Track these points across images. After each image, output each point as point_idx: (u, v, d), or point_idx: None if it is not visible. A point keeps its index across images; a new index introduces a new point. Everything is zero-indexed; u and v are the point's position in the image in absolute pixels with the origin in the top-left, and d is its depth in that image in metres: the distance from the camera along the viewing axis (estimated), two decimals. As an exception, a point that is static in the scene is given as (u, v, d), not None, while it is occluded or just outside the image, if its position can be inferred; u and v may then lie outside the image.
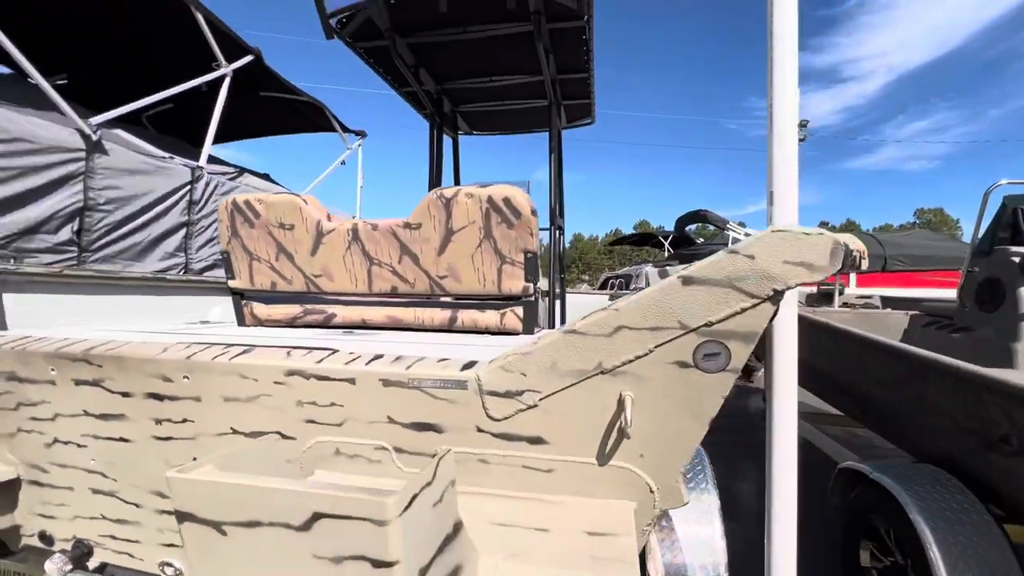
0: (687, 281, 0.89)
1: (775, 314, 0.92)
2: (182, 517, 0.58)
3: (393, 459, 1.10)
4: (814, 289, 6.70)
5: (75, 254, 3.43)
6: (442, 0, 3.11)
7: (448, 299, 2.21)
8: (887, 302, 6.14)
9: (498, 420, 1.02)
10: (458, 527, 0.70)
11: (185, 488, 0.57)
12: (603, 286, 19.95)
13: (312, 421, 1.12)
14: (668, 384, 0.94)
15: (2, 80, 3.53)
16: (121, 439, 1.26)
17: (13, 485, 1.37)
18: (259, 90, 5.64)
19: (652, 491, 0.99)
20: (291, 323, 2.36)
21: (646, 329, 0.92)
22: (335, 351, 1.56)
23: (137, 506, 1.31)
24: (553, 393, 0.98)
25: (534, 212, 2.03)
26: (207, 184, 4.38)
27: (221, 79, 4.56)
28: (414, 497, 0.56)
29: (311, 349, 1.21)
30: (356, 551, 0.53)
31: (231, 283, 2.36)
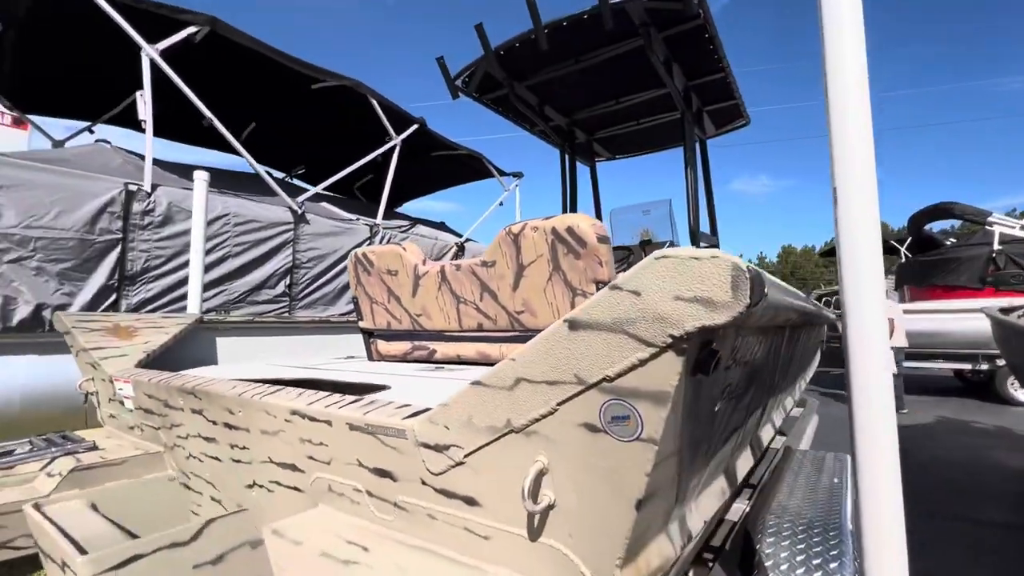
0: (573, 325, 0.71)
1: (701, 370, 0.66)
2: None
3: (367, 502, 1.13)
4: None
5: (287, 303, 4.46)
6: (542, 39, 3.18)
7: (529, 334, 2.18)
8: None
9: (436, 475, 0.96)
10: (268, 589, 0.68)
11: (28, 518, 0.72)
12: (815, 306, 16.79)
13: (312, 458, 1.23)
14: (581, 451, 0.75)
15: (246, 177, 4.84)
16: (215, 458, 1.58)
17: (175, 482, 1.84)
18: (430, 151, 6.50)
19: None
20: (404, 358, 2.62)
21: (544, 383, 0.76)
22: (384, 388, 1.69)
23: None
24: (476, 450, 0.88)
25: (601, 239, 1.89)
26: (382, 238, 5.23)
27: (393, 149, 5.45)
28: (135, 557, 0.58)
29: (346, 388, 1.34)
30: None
31: (360, 324, 2.75)
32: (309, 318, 3.22)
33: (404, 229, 5.75)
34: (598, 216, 5.12)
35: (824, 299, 16.21)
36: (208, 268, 3.86)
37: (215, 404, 1.47)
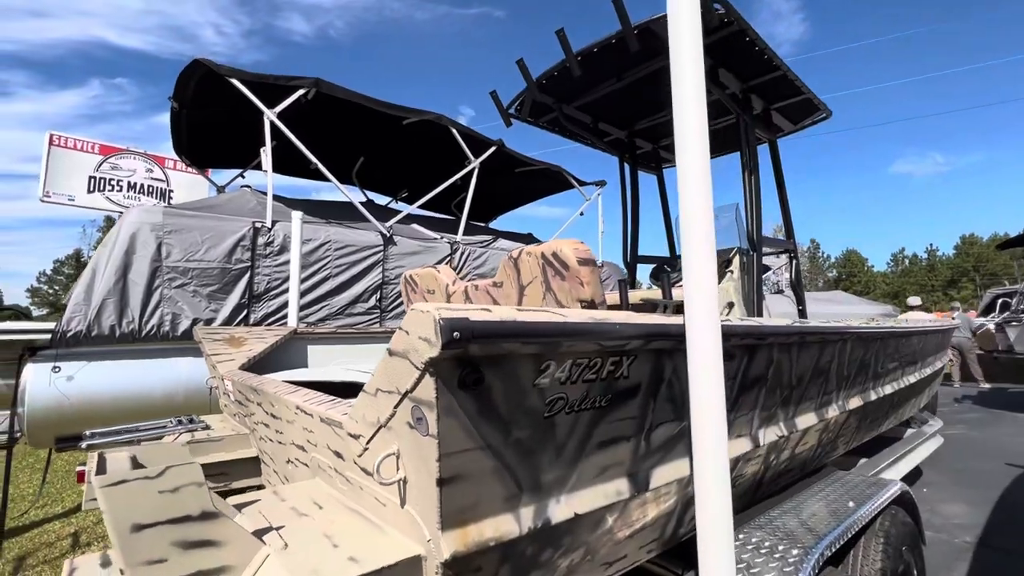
0: (389, 353, 0.98)
1: (464, 386, 0.90)
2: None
3: (335, 476, 1.48)
4: None
5: (378, 315, 5.16)
6: (574, 67, 3.36)
7: None
8: None
9: (359, 456, 1.28)
10: (208, 515, 1.03)
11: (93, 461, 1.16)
12: (988, 309, 13.92)
13: (309, 441, 1.63)
14: (409, 443, 1.01)
15: (341, 206, 5.65)
16: (269, 439, 2.09)
17: (257, 460, 2.42)
18: (512, 168, 6.91)
19: (428, 540, 1.04)
20: None
21: (387, 392, 1.03)
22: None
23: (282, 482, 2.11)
24: (371, 439, 1.18)
25: (582, 262, 2.07)
26: (462, 254, 5.75)
27: (472, 171, 5.96)
28: (122, 481, 0.97)
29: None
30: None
31: (413, 335, 3.21)
32: (382, 329, 3.79)
33: (484, 244, 6.22)
34: (667, 223, 5.07)
35: (1002, 299, 13.39)
36: (313, 287, 4.68)
37: (266, 399, 1.98)
